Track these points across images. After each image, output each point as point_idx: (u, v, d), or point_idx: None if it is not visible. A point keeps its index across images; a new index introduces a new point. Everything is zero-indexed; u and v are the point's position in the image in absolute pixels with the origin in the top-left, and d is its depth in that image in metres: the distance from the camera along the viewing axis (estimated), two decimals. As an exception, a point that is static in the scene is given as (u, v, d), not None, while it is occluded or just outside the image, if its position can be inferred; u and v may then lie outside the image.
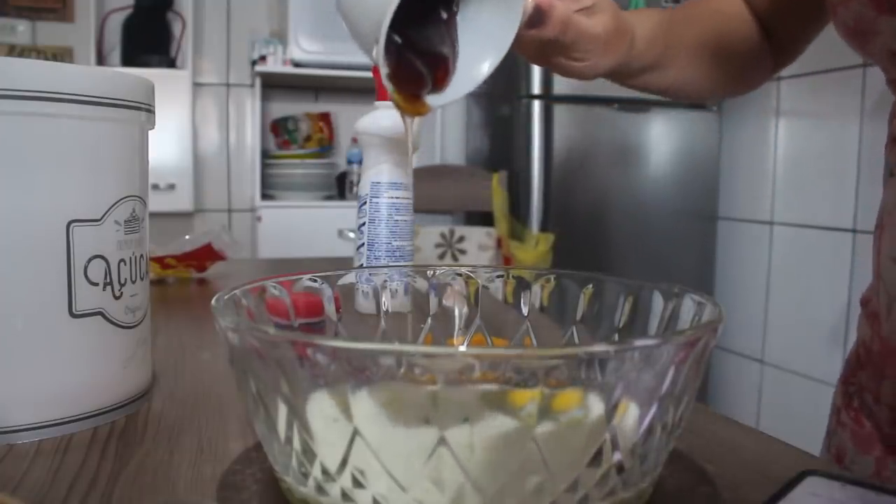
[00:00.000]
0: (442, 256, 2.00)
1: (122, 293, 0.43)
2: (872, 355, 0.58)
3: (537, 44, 0.52)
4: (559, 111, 2.04)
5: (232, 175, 2.50)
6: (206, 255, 0.94)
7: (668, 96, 0.70)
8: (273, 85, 2.45)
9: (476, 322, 0.45)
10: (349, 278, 0.44)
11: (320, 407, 0.29)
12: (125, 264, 0.43)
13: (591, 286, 0.43)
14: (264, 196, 2.34)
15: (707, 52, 0.67)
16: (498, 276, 0.46)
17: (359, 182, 0.73)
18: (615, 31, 0.55)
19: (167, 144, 2.24)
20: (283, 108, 2.53)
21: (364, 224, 0.71)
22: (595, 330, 0.42)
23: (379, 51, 0.41)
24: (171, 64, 2.32)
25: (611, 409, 0.28)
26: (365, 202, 0.72)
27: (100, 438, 0.40)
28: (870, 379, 0.58)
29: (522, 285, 0.45)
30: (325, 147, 2.50)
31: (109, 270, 0.42)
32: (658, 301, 0.39)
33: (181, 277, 0.94)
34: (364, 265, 0.70)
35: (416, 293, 0.47)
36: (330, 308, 0.42)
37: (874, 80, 1.80)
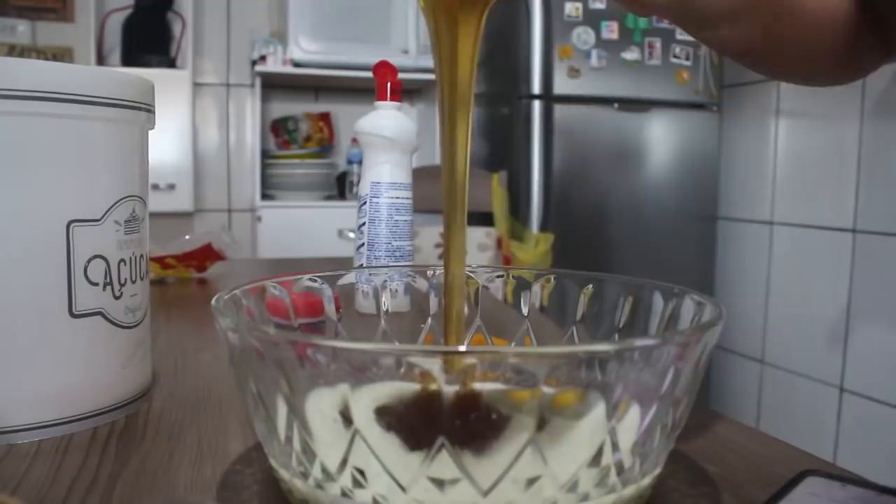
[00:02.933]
0: (442, 256, 2.00)
1: (122, 293, 0.43)
2: None
3: None
4: (559, 111, 2.03)
5: (232, 175, 2.50)
6: (206, 255, 0.94)
7: (754, 67, 0.55)
8: (273, 85, 2.45)
9: (476, 322, 0.45)
10: (349, 278, 0.44)
11: (320, 407, 0.29)
12: (125, 264, 0.43)
13: (591, 286, 0.43)
14: (264, 196, 2.34)
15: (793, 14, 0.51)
16: (498, 276, 0.46)
17: (359, 182, 0.73)
18: None
19: (167, 144, 2.24)
20: (283, 108, 2.53)
21: (364, 224, 0.71)
22: (595, 330, 0.42)
23: None
24: (171, 64, 2.32)
25: (611, 409, 0.28)
26: (365, 202, 0.72)
27: (100, 438, 0.40)
28: None
29: (522, 285, 0.45)
30: (325, 147, 2.50)
31: (109, 270, 0.42)
32: (658, 301, 0.39)
33: (181, 277, 0.94)
34: (364, 265, 0.71)
35: (416, 293, 0.47)
36: (330, 308, 0.42)
37: (874, 80, 1.80)
